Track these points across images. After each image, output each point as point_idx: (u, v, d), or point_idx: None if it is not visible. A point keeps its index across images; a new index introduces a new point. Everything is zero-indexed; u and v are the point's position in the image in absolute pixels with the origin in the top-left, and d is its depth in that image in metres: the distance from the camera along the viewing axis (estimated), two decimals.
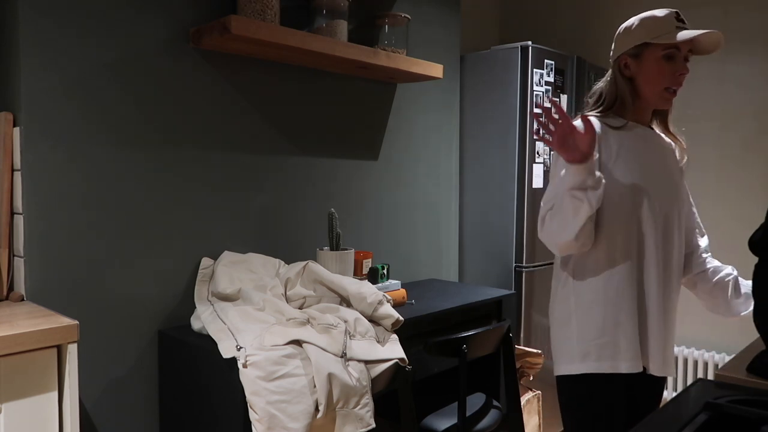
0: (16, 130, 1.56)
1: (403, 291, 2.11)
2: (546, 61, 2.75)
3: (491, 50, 2.84)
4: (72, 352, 1.32)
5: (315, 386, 1.50)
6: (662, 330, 1.42)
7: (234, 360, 1.49)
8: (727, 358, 2.87)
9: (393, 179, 2.52)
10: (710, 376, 2.89)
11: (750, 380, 1.31)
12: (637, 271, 1.42)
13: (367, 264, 2.16)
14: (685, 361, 3.01)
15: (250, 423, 1.45)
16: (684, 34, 1.36)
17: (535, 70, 2.70)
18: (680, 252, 1.48)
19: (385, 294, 1.83)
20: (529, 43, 2.69)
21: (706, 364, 2.95)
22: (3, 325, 1.29)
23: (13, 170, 1.58)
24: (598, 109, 1.48)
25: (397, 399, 1.73)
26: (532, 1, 3.50)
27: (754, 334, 1.43)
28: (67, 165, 1.62)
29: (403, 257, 2.58)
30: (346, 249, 2.05)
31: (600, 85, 1.52)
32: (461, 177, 2.92)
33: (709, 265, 1.54)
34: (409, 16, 2.27)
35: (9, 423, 1.26)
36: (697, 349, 2.99)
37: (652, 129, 1.51)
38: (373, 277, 2.12)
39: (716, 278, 1.51)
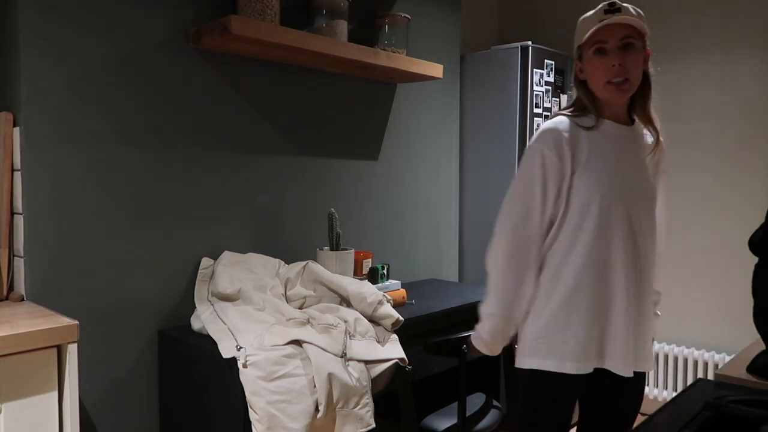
0: (16, 130, 1.56)
1: (403, 291, 2.11)
2: (546, 61, 2.75)
3: (491, 50, 2.84)
4: (72, 352, 1.32)
5: (315, 386, 1.50)
6: (630, 333, 1.39)
7: (234, 360, 1.49)
8: (727, 358, 2.87)
9: (393, 179, 2.52)
10: (710, 376, 2.89)
11: (750, 380, 1.31)
12: (604, 273, 1.39)
13: (367, 264, 2.16)
14: (685, 361, 3.01)
15: (250, 423, 1.45)
16: (599, 24, 1.35)
17: (535, 70, 2.70)
18: (652, 254, 1.46)
19: (385, 294, 1.83)
20: (529, 43, 2.69)
21: (706, 364, 2.95)
22: (3, 325, 1.29)
23: (13, 170, 1.58)
24: (570, 109, 1.48)
25: (397, 399, 1.73)
26: (532, 1, 3.50)
27: (754, 334, 1.43)
28: (67, 165, 1.62)
29: (403, 257, 2.58)
30: (346, 249, 2.05)
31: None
32: (461, 177, 2.92)
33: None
34: (409, 16, 2.27)
35: (9, 423, 1.26)
36: (697, 349, 2.99)
37: (632, 124, 1.47)
38: (373, 277, 2.12)
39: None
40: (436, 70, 2.34)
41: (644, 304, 1.43)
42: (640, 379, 1.47)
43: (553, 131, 1.41)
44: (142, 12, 1.73)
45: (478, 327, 1.46)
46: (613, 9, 1.37)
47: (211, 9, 1.88)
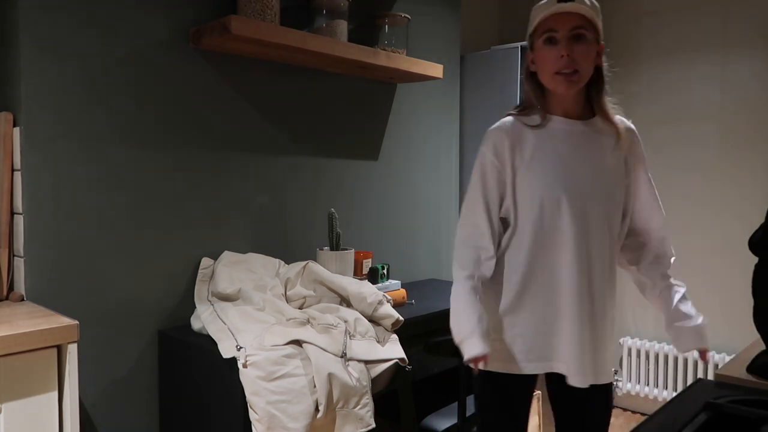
0: (16, 130, 1.56)
1: (403, 291, 2.11)
2: None
3: (491, 50, 2.84)
4: (72, 352, 1.32)
5: (315, 386, 1.50)
6: (585, 341, 1.34)
7: (234, 360, 1.49)
8: (727, 358, 2.87)
9: (393, 179, 2.52)
10: (710, 376, 2.89)
11: (750, 380, 1.31)
12: (551, 277, 1.36)
13: (367, 264, 2.16)
14: (685, 361, 3.01)
15: (250, 423, 1.45)
16: (548, 11, 1.32)
17: None
18: (609, 257, 1.39)
19: (385, 294, 1.83)
20: None
21: (706, 364, 2.95)
22: (3, 325, 1.29)
23: (13, 170, 1.58)
24: (518, 108, 1.44)
25: (397, 399, 1.73)
26: (532, 1, 3.50)
27: (754, 334, 1.43)
28: (67, 165, 1.62)
29: (403, 257, 2.58)
30: (346, 249, 2.05)
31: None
32: (461, 177, 2.92)
33: (657, 271, 1.46)
34: (409, 16, 2.27)
35: (9, 423, 1.26)
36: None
37: (590, 120, 1.40)
38: (373, 277, 2.12)
39: (662, 290, 1.45)
40: (436, 70, 2.34)
41: (599, 310, 1.37)
42: (608, 390, 1.43)
43: (495, 132, 1.40)
44: (142, 12, 1.73)
45: (465, 351, 1.36)
46: None
47: (211, 9, 1.88)
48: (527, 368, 1.38)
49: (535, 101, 1.40)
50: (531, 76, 1.41)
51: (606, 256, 1.38)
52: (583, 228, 1.35)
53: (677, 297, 1.43)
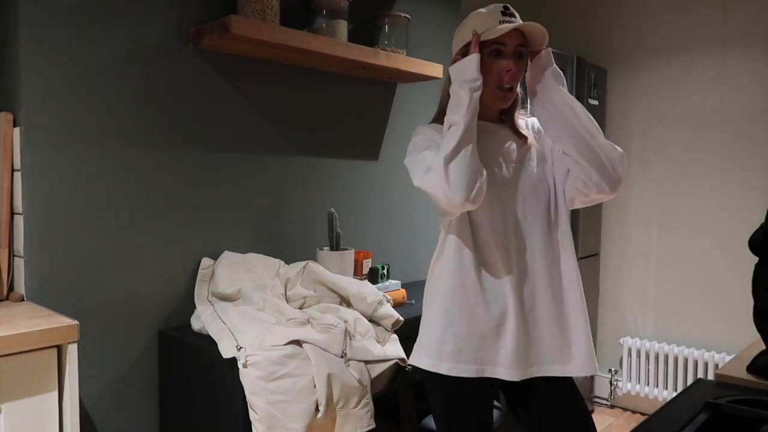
0: (16, 130, 1.56)
1: (403, 291, 2.11)
2: None
3: None
4: (72, 352, 1.32)
5: (315, 386, 1.50)
6: (522, 333, 1.33)
7: (234, 360, 1.49)
8: (727, 358, 2.88)
9: (393, 179, 2.52)
10: (710, 376, 2.89)
11: (750, 380, 1.31)
12: (483, 274, 1.36)
13: (367, 264, 2.16)
14: (685, 361, 3.01)
15: (250, 423, 1.45)
16: (501, 28, 1.29)
17: None
18: (543, 245, 1.37)
19: (385, 294, 1.83)
20: None
21: (706, 364, 2.95)
22: (3, 325, 1.29)
23: (13, 170, 1.58)
24: (437, 119, 1.43)
25: (397, 399, 1.73)
26: (531, 1, 3.50)
27: (754, 334, 1.43)
28: (67, 165, 1.62)
29: (403, 257, 2.58)
30: (346, 249, 2.05)
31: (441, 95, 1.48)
32: None
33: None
34: (409, 16, 2.27)
35: (9, 423, 1.26)
36: (697, 349, 2.99)
37: (498, 123, 1.44)
38: (373, 277, 2.12)
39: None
40: (436, 70, 2.34)
41: (538, 307, 1.36)
42: (569, 386, 1.39)
43: (426, 128, 1.40)
44: (142, 12, 1.73)
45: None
46: (508, 12, 1.33)
47: (211, 9, 1.88)
48: (454, 369, 1.35)
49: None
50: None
51: (544, 251, 1.38)
52: (513, 227, 1.37)
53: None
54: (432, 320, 1.39)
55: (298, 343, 1.55)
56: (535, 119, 1.47)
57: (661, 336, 3.14)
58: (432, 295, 1.42)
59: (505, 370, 1.33)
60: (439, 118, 1.43)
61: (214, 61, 1.90)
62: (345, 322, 1.68)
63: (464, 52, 1.36)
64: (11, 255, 1.59)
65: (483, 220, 1.36)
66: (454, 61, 1.38)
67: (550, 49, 1.38)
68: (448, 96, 1.35)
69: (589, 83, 3.01)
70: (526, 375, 1.34)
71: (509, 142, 1.42)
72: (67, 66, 1.60)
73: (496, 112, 1.44)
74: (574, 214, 2.99)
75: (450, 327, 1.35)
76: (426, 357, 1.37)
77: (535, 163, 1.42)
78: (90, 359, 1.67)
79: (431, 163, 1.30)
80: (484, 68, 1.32)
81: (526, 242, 1.38)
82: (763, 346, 1.44)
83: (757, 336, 1.48)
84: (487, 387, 1.38)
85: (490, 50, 1.33)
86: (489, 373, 1.34)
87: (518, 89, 1.42)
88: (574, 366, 1.37)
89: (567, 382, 1.39)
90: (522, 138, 1.43)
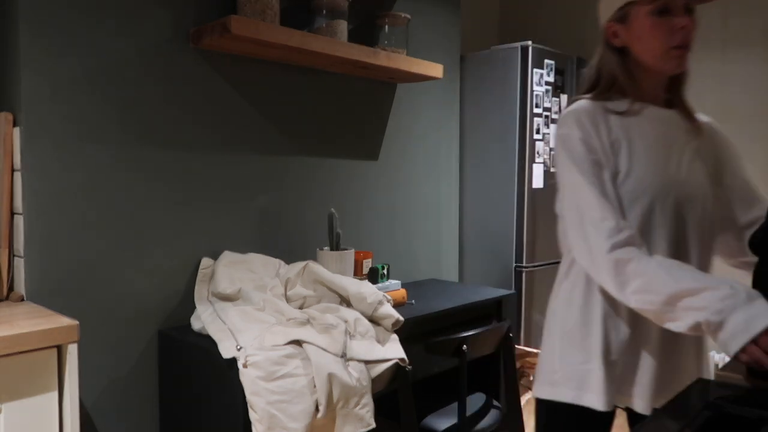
0: (16, 130, 1.56)
1: (403, 291, 2.11)
2: (546, 61, 2.75)
3: (491, 50, 2.84)
4: (72, 352, 1.32)
5: (315, 386, 1.50)
6: (663, 362, 1.17)
7: (234, 360, 1.49)
8: (728, 358, 2.87)
9: (393, 179, 2.52)
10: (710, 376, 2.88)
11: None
12: None
13: (367, 264, 2.15)
14: None
15: (250, 423, 1.45)
16: None
17: (535, 70, 2.70)
18: (704, 265, 1.20)
19: (385, 294, 1.83)
20: (529, 43, 2.69)
21: None
22: (3, 325, 1.29)
23: (13, 170, 1.58)
24: (592, 92, 1.21)
25: (397, 399, 1.73)
26: (532, 1, 3.50)
27: None
28: (67, 165, 1.62)
29: (403, 257, 2.58)
30: (346, 249, 2.05)
31: (592, 63, 1.25)
32: (461, 177, 2.92)
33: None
34: (409, 16, 2.27)
35: (9, 423, 1.25)
36: None
37: (672, 109, 1.21)
38: (373, 277, 2.12)
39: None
40: (436, 70, 2.34)
41: (682, 337, 1.19)
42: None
43: (575, 113, 1.17)
44: (143, 12, 1.73)
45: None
46: None
47: (211, 9, 1.88)
48: (598, 402, 1.17)
49: (626, 80, 1.18)
50: (616, 53, 1.19)
51: (705, 266, 1.20)
52: (681, 237, 1.16)
53: None
54: (567, 348, 1.23)
55: (298, 343, 1.55)
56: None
57: None
58: (569, 318, 1.23)
59: (640, 401, 1.19)
60: (602, 87, 1.20)
61: (214, 61, 1.90)
62: (345, 322, 1.68)
63: (620, 16, 1.17)
64: (11, 255, 1.59)
65: (657, 240, 1.15)
66: (607, 28, 1.20)
67: None
68: (606, 62, 1.18)
69: None
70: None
71: (686, 132, 1.20)
72: (67, 66, 1.60)
73: (661, 90, 1.20)
74: None
75: (590, 355, 1.20)
76: (560, 388, 1.22)
77: (704, 163, 1.20)
78: (90, 359, 1.67)
79: (590, 220, 1.08)
80: (647, 30, 1.13)
81: (694, 258, 1.19)
82: None
83: None
84: None
85: (652, 8, 1.12)
86: (631, 405, 1.21)
87: None
88: None
89: None
90: (694, 123, 1.21)
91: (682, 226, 1.16)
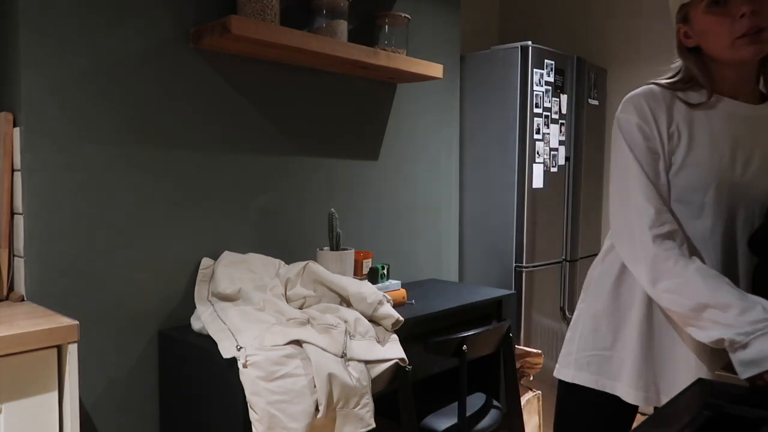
0: (16, 130, 1.56)
1: (403, 291, 2.11)
2: (546, 61, 2.75)
3: (491, 50, 2.84)
4: (72, 352, 1.32)
5: (315, 386, 1.50)
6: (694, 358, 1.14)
7: (234, 360, 1.49)
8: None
9: (393, 179, 2.52)
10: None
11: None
12: None
13: (367, 264, 2.16)
14: None
15: (250, 423, 1.45)
16: None
17: (535, 70, 2.70)
18: (748, 267, 1.14)
19: (385, 294, 1.83)
20: (529, 43, 2.69)
21: None
22: (3, 325, 1.29)
23: (13, 170, 1.58)
24: (673, 80, 1.18)
25: (397, 399, 1.73)
26: (532, 1, 3.50)
27: None
28: (67, 165, 1.62)
29: (403, 257, 2.58)
30: (346, 249, 2.05)
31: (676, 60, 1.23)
32: (461, 177, 2.91)
33: None
34: (409, 16, 2.27)
35: (9, 423, 1.25)
36: None
37: (762, 103, 1.15)
38: (373, 277, 2.12)
39: None
40: (436, 70, 2.34)
41: None
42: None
43: (637, 97, 1.15)
44: (143, 12, 1.73)
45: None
46: None
47: (211, 9, 1.88)
48: (629, 395, 1.19)
49: (702, 78, 1.14)
50: (690, 52, 1.16)
51: (748, 268, 1.13)
52: (728, 239, 1.10)
53: None
54: (600, 333, 1.23)
55: (298, 343, 1.55)
56: None
57: None
58: (600, 306, 1.22)
59: (665, 396, 1.21)
60: (680, 79, 1.16)
61: (214, 61, 1.90)
62: (345, 322, 1.68)
63: (683, 17, 1.15)
64: (11, 255, 1.59)
65: (712, 238, 1.11)
66: (678, 31, 1.17)
67: None
68: (689, 54, 1.14)
69: (589, 83, 3.01)
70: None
71: (762, 130, 1.13)
72: (68, 66, 1.60)
73: (748, 82, 1.14)
74: (574, 214, 2.99)
75: (625, 345, 1.20)
76: (589, 374, 1.23)
77: None
78: (90, 359, 1.67)
79: (635, 206, 1.07)
80: (705, 26, 1.09)
81: (742, 266, 1.13)
82: None
83: None
84: None
85: (706, 3, 1.09)
86: (658, 400, 1.24)
87: None
88: None
89: None
90: None
91: (732, 231, 1.11)
